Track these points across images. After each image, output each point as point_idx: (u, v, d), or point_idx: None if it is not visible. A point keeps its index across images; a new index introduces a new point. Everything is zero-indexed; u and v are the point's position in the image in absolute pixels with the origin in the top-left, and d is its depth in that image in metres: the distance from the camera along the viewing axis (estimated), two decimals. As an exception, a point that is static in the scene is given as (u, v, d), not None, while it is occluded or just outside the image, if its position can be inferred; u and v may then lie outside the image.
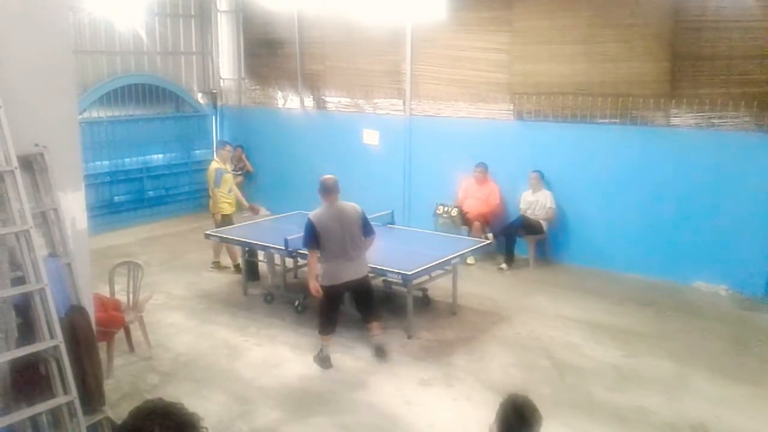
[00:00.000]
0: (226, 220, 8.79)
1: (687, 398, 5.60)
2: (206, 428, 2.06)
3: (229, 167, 9.16)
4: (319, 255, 6.14)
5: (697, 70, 8.06)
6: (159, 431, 1.98)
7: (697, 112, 8.12)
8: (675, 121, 8.30)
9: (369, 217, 6.20)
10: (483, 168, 9.39)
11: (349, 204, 6.23)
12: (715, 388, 5.77)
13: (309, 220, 6.08)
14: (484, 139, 9.60)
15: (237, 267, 8.70)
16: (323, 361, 6.19)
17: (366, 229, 6.22)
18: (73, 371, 4.31)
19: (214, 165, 8.85)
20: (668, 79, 8.24)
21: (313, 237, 6.03)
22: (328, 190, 6.10)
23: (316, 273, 6.21)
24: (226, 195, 8.80)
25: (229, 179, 8.89)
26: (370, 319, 6.39)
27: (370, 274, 6.41)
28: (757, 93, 7.72)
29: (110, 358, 5.97)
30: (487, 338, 6.83)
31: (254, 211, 9.45)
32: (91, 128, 10.48)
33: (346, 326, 6.73)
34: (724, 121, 7.98)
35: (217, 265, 8.99)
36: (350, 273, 6.11)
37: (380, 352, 6.31)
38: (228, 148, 9.23)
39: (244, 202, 9.26)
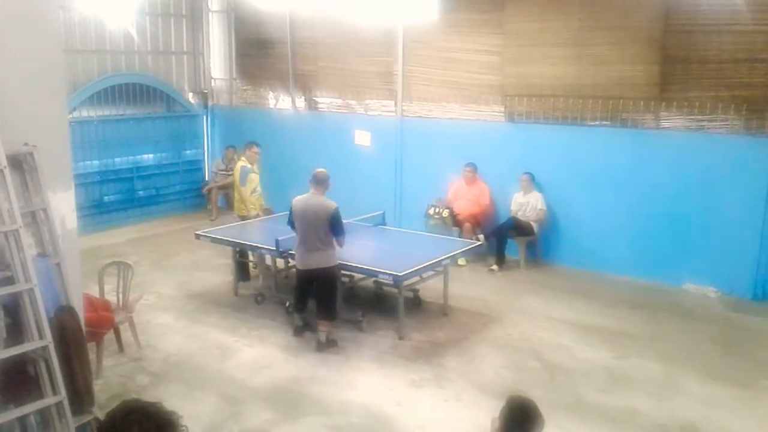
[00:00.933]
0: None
1: (677, 399, 5.63)
2: (186, 427, 2.03)
3: (256, 168, 8.63)
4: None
5: (687, 73, 8.10)
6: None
7: (687, 115, 8.17)
8: (665, 123, 8.34)
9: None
10: (472, 168, 9.40)
11: (328, 202, 6.43)
12: (705, 389, 5.80)
13: (292, 201, 6.63)
14: (475, 141, 9.61)
15: None
16: (295, 329, 6.81)
17: (334, 229, 6.43)
18: (62, 372, 4.28)
19: (240, 163, 8.55)
20: (658, 82, 8.29)
21: (290, 217, 6.67)
22: (314, 181, 6.53)
23: None
24: (249, 196, 8.51)
25: (255, 179, 8.56)
26: (322, 316, 6.57)
27: (358, 275, 6.42)
28: (746, 96, 7.77)
29: (100, 359, 5.93)
30: (477, 339, 6.84)
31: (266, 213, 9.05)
32: (81, 128, 10.41)
33: (336, 327, 6.74)
34: (714, 124, 8.02)
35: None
36: (311, 262, 6.49)
37: (320, 346, 6.51)
38: (255, 149, 8.63)
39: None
